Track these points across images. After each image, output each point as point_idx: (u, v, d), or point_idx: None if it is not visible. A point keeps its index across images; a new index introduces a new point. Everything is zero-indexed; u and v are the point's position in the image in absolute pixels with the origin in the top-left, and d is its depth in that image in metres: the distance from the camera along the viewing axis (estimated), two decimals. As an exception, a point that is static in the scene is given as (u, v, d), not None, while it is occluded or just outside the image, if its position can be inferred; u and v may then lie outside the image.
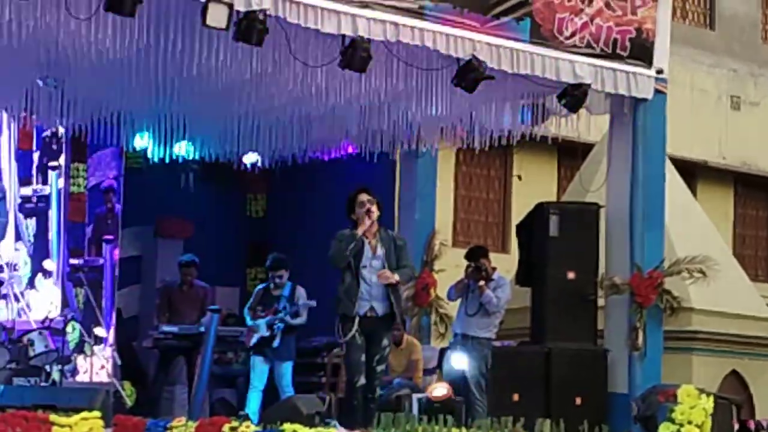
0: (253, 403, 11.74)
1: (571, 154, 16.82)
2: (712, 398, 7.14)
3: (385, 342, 9.74)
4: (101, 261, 13.56)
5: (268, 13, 9.45)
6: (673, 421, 7.18)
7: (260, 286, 12.37)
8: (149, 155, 13.67)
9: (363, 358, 9.58)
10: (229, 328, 13.25)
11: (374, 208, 9.85)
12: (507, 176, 17.63)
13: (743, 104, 19.73)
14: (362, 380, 9.59)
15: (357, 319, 9.59)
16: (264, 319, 11.96)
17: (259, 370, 11.97)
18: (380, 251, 9.80)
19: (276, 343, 11.91)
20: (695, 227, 15.01)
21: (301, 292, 12.07)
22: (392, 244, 9.91)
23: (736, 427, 8.86)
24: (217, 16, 9.26)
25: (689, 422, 7.09)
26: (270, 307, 12.01)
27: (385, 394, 12.21)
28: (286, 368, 12.01)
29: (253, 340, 11.96)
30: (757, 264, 19.92)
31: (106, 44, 9.87)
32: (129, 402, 11.72)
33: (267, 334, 11.94)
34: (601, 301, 12.16)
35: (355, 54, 9.93)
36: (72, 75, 11.46)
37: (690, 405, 7.11)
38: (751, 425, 9.33)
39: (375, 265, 9.77)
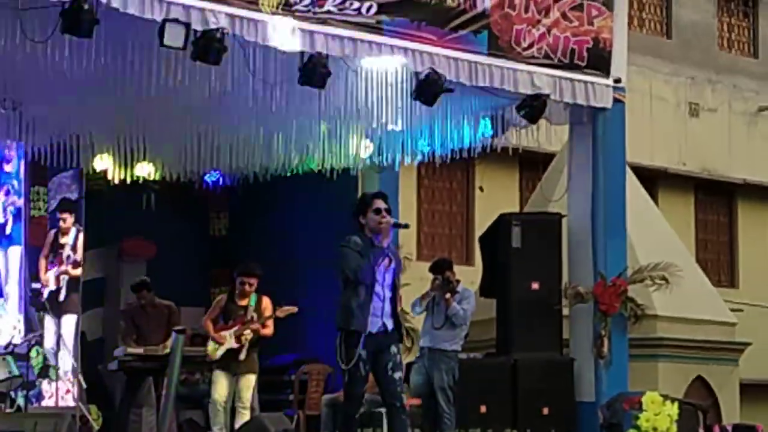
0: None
1: (532, 165, 16.91)
2: (676, 404, 7.18)
3: (394, 349, 8.86)
4: (62, 285, 13.49)
5: (225, 31, 9.44)
6: (638, 428, 7.21)
7: (223, 297, 11.74)
8: (110, 176, 13.60)
9: (365, 389, 8.88)
10: (195, 348, 13.19)
11: (389, 218, 8.83)
12: (469, 188, 17.68)
13: (702, 111, 19.89)
14: (361, 411, 8.98)
15: (362, 340, 8.73)
16: (230, 331, 11.54)
17: (220, 384, 11.45)
18: (393, 265, 8.98)
19: (242, 355, 11.62)
20: (657, 234, 15.10)
21: (267, 302, 11.78)
22: (395, 259, 9.16)
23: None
24: (174, 36, 9.24)
25: (654, 429, 7.12)
26: (233, 318, 11.54)
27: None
28: (252, 381, 11.77)
29: (220, 353, 11.50)
30: (720, 269, 20.05)
31: (64, 66, 9.82)
32: (96, 426, 11.65)
33: (236, 346, 11.66)
34: (565, 311, 12.21)
35: (314, 70, 9.94)
36: (30, 97, 11.40)
37: (655, 412, 7.15)
38: (716, 430, 9.37)
39: (388, 280, 8.93)
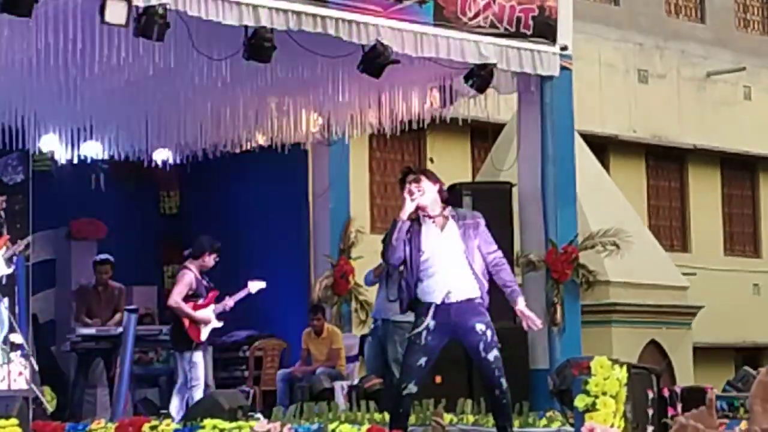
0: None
1: (483, 135, 16.93)
2: (625, 368, 7.21)
3: (481, 327, 7.86)
4: (12, 267, 13.34)
5: (168, 7, 9.33)
6: (587, 393, 7.22)
7: (191, 275, 11.28)
8: (57, 157, 13.47)
9: (423, 362, 7.86)
10: (148, 327, 13.15)
11: (418, 187, 7.87)
12: (421, 160, 17.68)
13: (650, 77, 19.98)
14: (412, 388, 7.86)
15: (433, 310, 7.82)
16: (208, 309, 11.26)
17: (202, 365, 11.22)
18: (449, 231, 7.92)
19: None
20: (608, 201, 15.18)
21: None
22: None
23: (651, 395, 8.96)
24: (115, 13, 9.13)
25: (604, 393, 7.14)
26: (203, 296, 11.32)
27: (308, 384, 12.25)
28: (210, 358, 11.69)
29: (206, 334, 11.22)
30: (672, 234, 20.20)
31: (4, 46, 9.69)
32: (50, 408, 11.55)
33: (220, 325, 11.51)
34: (518, 279, 12.22)
35: (258, 45, 9.86)
36: (-29, 80, 11.25)
37: (604, 376, 7.16)
38: (666, 393, 9.43)
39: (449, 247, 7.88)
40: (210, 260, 11.24)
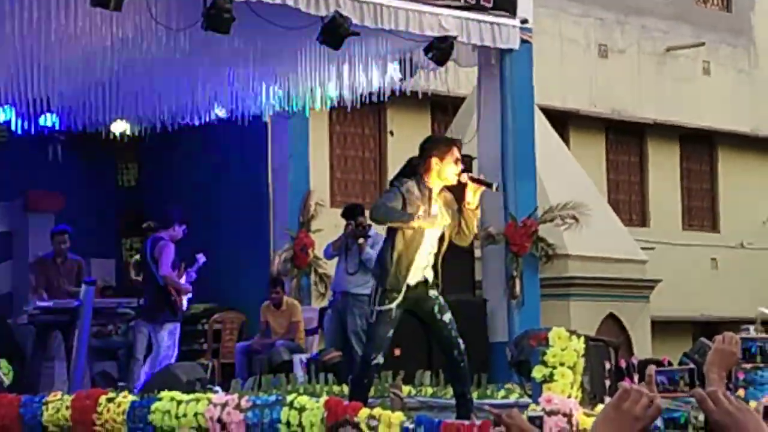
0: None
1: (443, 109, 16.91)
2: (583, 339, 7.24)
3: (434, 293, 8.07)
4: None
5: (125, -24, 9.26)
6: (545, 363, 7.25)
7: (172, 246, 11.24)
8: (13, 128, 13.34)
9: (391, 334, 8.05)
10: (107, 299, 13.08)
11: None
12: (381, 134, 17.64)
13: (611, 52, 20.01)
14: (380, 359, 8.09)
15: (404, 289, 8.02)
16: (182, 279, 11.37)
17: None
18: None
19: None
20: (568, 175, 15.22)
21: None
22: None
23: (608, 367, 9.02)
24: (72, -19, 9.05)
25: (561, 364, 7.17)
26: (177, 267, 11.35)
27: (267, 356, 12.23)
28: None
29: (185, 304, 11.35)
30: (631, 208, 20.29)
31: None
32: (6, 380, 11.45)
33: (191, 296, 11.52)
34: (477, 252, 12.26)
35: (217, 15, 9.78)
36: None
37: (561, 347, 7.19)
38: (623, 364, 9.49)
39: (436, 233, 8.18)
40: (179, 231, 11.33)
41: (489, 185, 8.22)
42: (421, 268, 8.06)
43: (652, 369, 2.89)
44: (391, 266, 7.93)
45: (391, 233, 8.05)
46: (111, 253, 14.70)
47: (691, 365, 4.78)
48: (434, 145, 8.11)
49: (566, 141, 18.02)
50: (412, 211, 7.87)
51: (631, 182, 20.45)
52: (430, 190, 7.97)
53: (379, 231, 12.38)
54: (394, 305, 7.98)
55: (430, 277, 8.14)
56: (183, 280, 11.38)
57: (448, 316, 8.09)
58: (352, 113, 15.97)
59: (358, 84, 12.45)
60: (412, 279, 8.02)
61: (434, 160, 7.94)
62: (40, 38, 10.32)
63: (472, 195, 7.90)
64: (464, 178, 7.97)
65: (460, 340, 8.11)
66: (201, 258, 11.64)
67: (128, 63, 11.65)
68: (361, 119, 17.43)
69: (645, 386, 2.76)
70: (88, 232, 13.64)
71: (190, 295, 11.49)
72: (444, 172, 7.94)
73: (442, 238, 8.08)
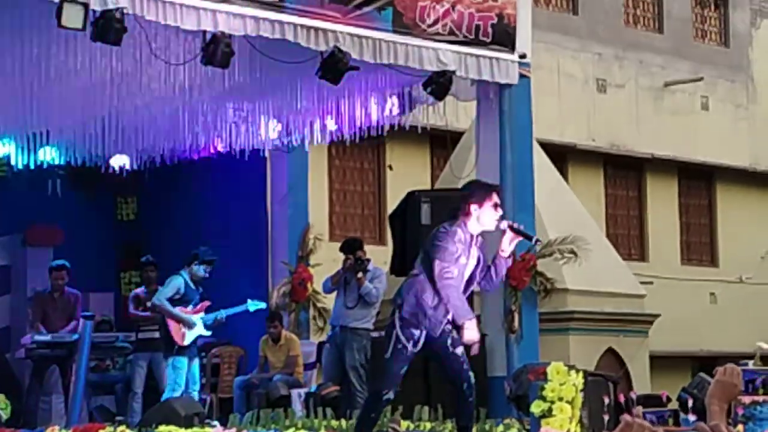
0: None
1: (442, 143, 16.93)
2: (581, 374, 7.22)
3: (447, 327, 7.96)
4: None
5: (125, 11, 9.29)
6: (544, 398, 7.23)
7: (180, 280, 11.33)
8: (13, 162, 13.36)
9: (405, 370, 7.96)
10: (105, 334, 13.06)
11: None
12: (380, 168, 17.67)
13: (609, 87, 20.07)
14: (391, 395, 8.00)
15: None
16: (202, 316, 11.33)
17: (185, 371, 11.25)
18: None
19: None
20: (567, 209, 15.22)
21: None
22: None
23: (607, 401, 8.99)
24: (72, 17, 9.08)
25: (560, 398, 7.15)
26: (193, 303, 11.32)
27: (265, 391, 12.21)
28: (197, 367, 11.69)
29: (189, 340, 11.23)
30: (630, 243, 20.28)
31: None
32: (4, 415, 11.42)
33: (208, 334, 11.48)
34: (476, 287, 12.23)
35: (216, 50, 9.83)
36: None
37: (560, 381, 7.17)
38: (622, 400, 9.46)
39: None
40: (199, 270, 11.31)
41: (529, 237, 8.17)
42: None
43: (639, 410, 2.89)
44: (429, 310, 7.81)
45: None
46: (110, 287, 14.70)
47: (678, 408, 4.78)
48: (473, 191, 8.04)
49: (565, 175, 18.03)
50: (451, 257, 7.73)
51: (629, 216, 20.47)
52: (472, 237, 7.86)
53: (380, 266, 12.40)
54: (411, 343, 7.85)
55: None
56: (200, 317, 11.30)
57: (460, 350, 7.99)
58: (351, 147, 16.01)
59: (357, 118, 12.49)
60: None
61: (473, 206, 7.86)
62: (40, 73, 10.36)
63: (508, 243, 7.86)
64: (504, 225, 7.90)
65: (471, 374, 8.01)
66: (251, 305, 11.71)
67: (128, 97, 11.70)
68: (360, 154, 17.46)
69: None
70: (87, 265, 13.64)
71: (200, 331, 11.33)
72: (483, 218, 7.87)
73: (470, 281, 7.98)
